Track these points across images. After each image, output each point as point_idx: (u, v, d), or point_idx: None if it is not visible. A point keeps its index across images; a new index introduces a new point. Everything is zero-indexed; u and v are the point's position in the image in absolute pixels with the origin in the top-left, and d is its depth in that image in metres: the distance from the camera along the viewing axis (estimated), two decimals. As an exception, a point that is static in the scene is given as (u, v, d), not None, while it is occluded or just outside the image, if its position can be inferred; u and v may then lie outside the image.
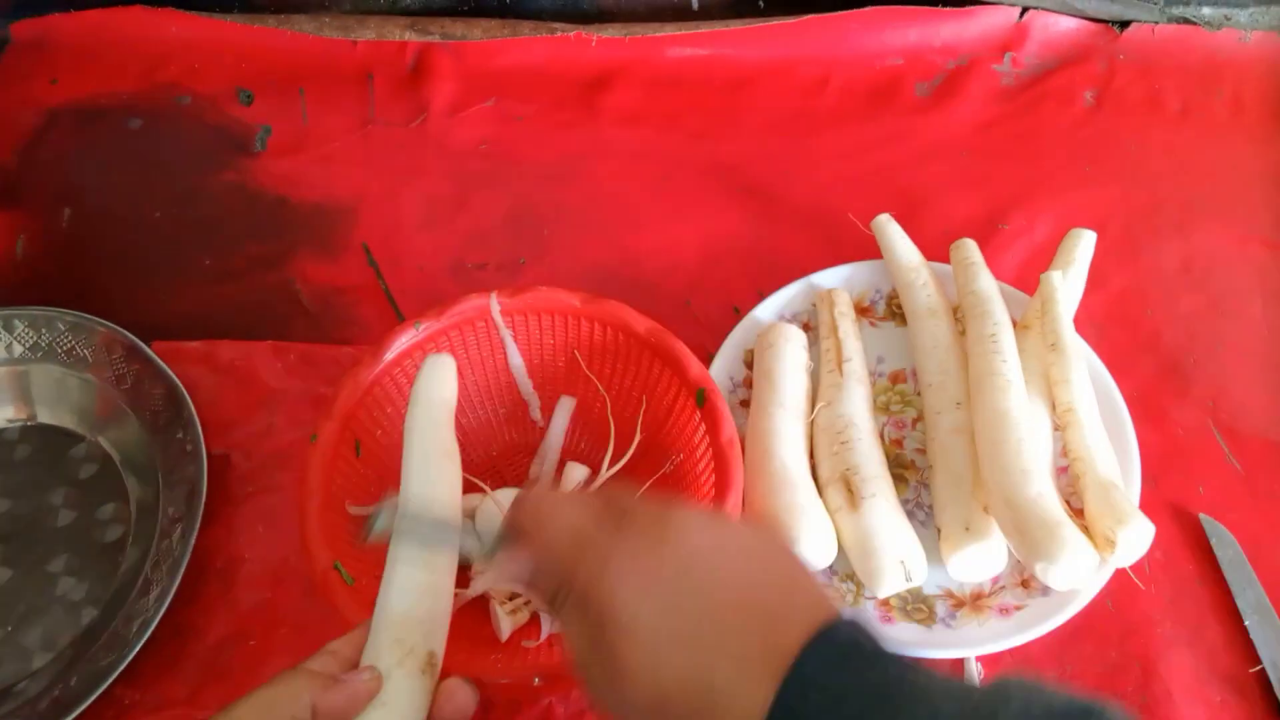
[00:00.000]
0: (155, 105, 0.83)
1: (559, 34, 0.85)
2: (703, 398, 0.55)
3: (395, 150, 0.80)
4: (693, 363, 0.56)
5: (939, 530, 0.57)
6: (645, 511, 0.36)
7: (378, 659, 0.39)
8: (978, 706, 0.28)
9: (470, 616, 0.56)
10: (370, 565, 0.48)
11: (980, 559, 0.55)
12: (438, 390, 0.49)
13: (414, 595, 0.41)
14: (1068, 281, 0.64)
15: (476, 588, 0.56)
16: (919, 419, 0.64)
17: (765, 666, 0.31)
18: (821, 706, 0.30)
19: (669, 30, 0.86)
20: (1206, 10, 0.87)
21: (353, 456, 0.55)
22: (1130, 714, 0.29)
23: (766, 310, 0.67)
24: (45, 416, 0.66)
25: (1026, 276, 0.71)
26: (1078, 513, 0.55)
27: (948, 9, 0.86)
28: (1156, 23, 0.87)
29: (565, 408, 0.63)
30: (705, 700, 0.32)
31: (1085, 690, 0.30)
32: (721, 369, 0.65)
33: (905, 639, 0.54)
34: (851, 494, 0.56)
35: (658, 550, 0.34)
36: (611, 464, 0.59)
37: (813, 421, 0.61)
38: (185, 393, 0.62)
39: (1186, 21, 0.87)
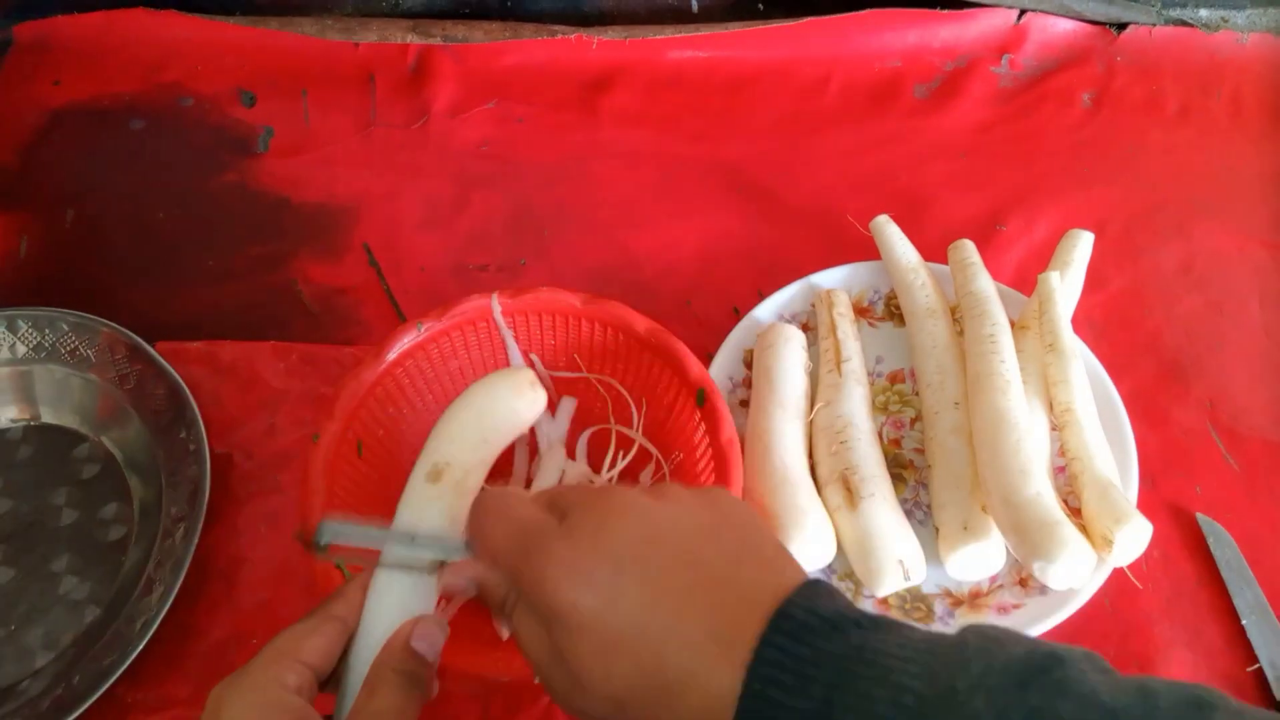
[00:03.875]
0: (158, 107, 0.83)
1: (560, 36, 0.86)
2: (703, 398, 0.56)
3: (397, 151, 0.81)
4: (693, 363, 0.57)
5: (937, 529, 0.57)
6: (584, 502, 0.34)
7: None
8: (937, 673, 0.27)
9: (470, 616, 0.57)
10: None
11: (978, 558, 0.55)
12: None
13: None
14: (1065, 282, 0.64)
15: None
16: (917, 419, 0.64)
17: (722, 650, 0.30)
18: (789, 688, 0.28)
19: (669, 33, 0.86)
20: (1203, 12, 0.88)
21: (355, 457, 0.55)
22: (1094, 658, 0.27)
23: (766, 310, 0.68)
24: (48, 416, 0.66)
25: (1025, 277, 0.72)
26: (1075, 512, 0.55)
27: (946, 11, 0.87)
28: (1154, 25, 0.87)
29: (566, 409, 0.63)
30: (662, 694, 0.30)
31: (1047, 640, 0.29)
32: (721, 369, 0.65)
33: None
34: (850, 494, 0.56)
35: (596, 541, 0.32)
36: (612, 465, 0.59)
37: (812, 421, 0.61)
38: (188, 393, 0.63)
39: (1183, 23, 0.88)
